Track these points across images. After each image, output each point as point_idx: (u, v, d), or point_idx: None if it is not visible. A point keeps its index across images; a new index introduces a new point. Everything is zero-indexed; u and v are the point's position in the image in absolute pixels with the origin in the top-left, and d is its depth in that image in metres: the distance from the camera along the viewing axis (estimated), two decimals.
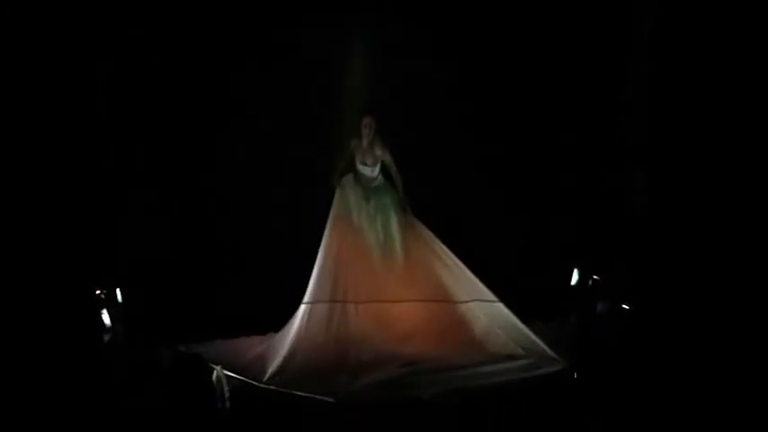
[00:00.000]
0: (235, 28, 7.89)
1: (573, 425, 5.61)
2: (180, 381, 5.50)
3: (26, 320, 6.82)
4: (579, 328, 7.36)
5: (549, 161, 8.41)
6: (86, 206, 7.55)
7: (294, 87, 8.00)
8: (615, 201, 8.30)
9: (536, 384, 6.19)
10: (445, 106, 8.21)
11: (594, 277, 7.87)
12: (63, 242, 7.35)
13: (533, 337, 6.71)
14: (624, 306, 7.43)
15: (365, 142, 7.07)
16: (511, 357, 6.59)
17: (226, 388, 5.65)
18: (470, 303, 6.84)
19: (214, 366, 5.81)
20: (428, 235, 7.01)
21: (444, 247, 6.96)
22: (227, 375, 5.85)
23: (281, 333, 6.77)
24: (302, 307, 6.70)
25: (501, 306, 6.81)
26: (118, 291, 7.45)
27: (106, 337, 7.17)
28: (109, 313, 7.28)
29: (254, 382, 6.22)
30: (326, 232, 6.94)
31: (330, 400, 5.88)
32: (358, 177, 7.16)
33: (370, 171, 7.13)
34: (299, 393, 6.00)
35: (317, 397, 5.91)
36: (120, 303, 7.42)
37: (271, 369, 6.36)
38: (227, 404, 5.58)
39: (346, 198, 7.10)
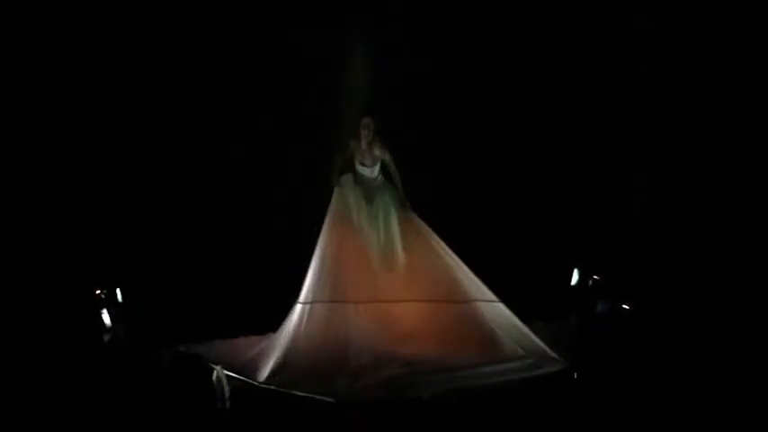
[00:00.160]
0: (235, 28, 7.89)
1: (573, 425, 5.60)
2: (180, 381, 5.50)
3: (26, 320, 6.83)
4: (579, 328, 7.35)
5: (549, 161, 8.41)
6: (86, 206, 7.55)
7: (294, 87, 8.01)
8: (615, 201, 8.30)
9: (536, 384, 6.18)
10: (445, 106, 8.21)
11: (594, 277, 7.87)
12: (63, 242, 7.35)
13: (533, 337, 6.70)
14: (624, 306, 7.43)
15: (364, 143, 7.06)
16: (511, 357, 6.58)
17: (226, 388, 5.65)
18: (470, 303, 6.83)
19: (214, 366, 5.80)
20: (428, 232, 7.01)
21: (444, 245, 6.95)
22: (227, 375, 5.85)
23: (278, 332, 6.76)
24: (298, 306, 6.70)
25: (501, 306, 6.80)
26: (118, 291, 7.46)
27: (106, 337, 7.17)
28: (109, 313, 7.29)
29: (254, 382, 6.22)
30: (325, 232, 6.93)
31: (330, 400, 5.87)
32: (357, 177, 7.16)
33: (370, 172, 7.12)
34: (299, 393, 6.00)
35: (317, 397, 5.91)
36: (120, 303, 7.43)
37: (269, 368, 6.35)
38: (227, 404, 5.58)
39: (345, 198, 7.09)
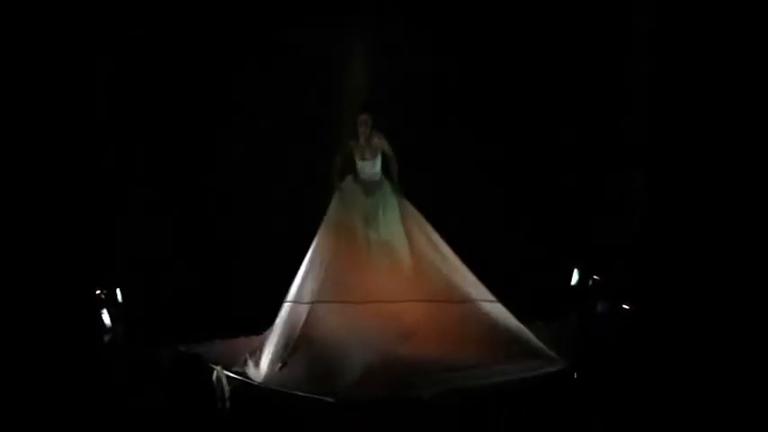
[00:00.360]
0: (235, 28, 7.89)
1: (573, 425, 5.60)
2: (180, 381, 5.51)
3: (26, 320, 6.83)
4: (579, 328, 7.35)
5: (549, 161, 8.41)
6: (86, 206, 7.55)
7: (294, 87, 8.01)
8: (615, 201, 8.30)
9: (536, 384, 6.18)
10: (445, 106, 8.21)
11: (594, 277, 7.87)
12: (63, 242, 7.35)
13: (533, 337, 6.70)
14: (624, 306, 7.43)
15: (362, 139, 7.08)
16: (511, 357, 6.58)
17: (226, 388, 5.65)
18: (471, 303, 6.83)
19: (214, 366, 5.81)
20: (429, 231, 7.01)
21: (445, 245, 6.96)
22: (227, 375, 5.85)
23: (272, 331, 6.74)
24: (297, 306, 6.70)
25: (501, 306, 6.81)
26: (118, 291, 7.46)
27: (106, 337, 7.17)
28: (109, 313, 7.29)
29: (254, 382, 6.22)
30: (326, 231, 6.94)
31: (330, 400, 5.87)
32: (358, 176, 7.16)
33: (371, 165, 7.13)
34: (299, 393, 6.00)
35: (317, 397, 5.91)
36: (120, 303, 7.43)
37: (269, 364, 6.37)
38: (227, 404, 5.58)
39: (345, 198, 7.10)
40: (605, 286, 7.75)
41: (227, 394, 5.61)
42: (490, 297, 6.81)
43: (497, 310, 6.80)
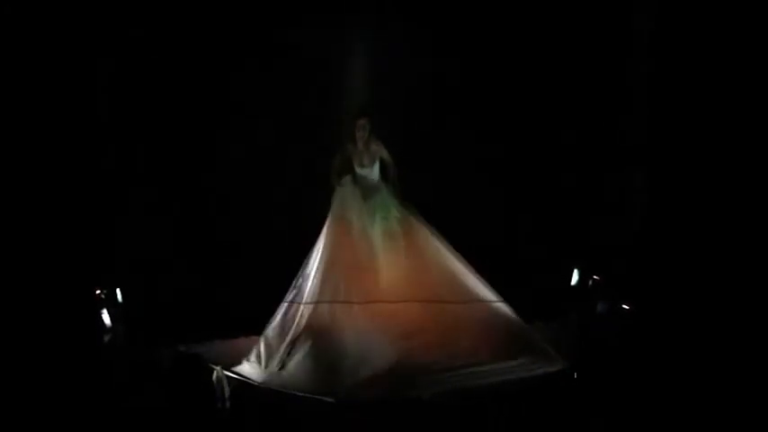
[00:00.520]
0: (235, 28, 7.89)
1: (573, 425, 5.60)
2: (180, 381, 5.51)
3: (26, 320, 6.82)
4: (579, 328, 7.35)
5: (549, 161, 8.41)
6: (86, 206, 7.55)
7: (294, 87, 8.01)
8: (615, 201, 8.30)
9: (536, 384, 6.18)
10: (445, 106, 8.21)
11: (594, 277, 7.87)
12: (63, 242, 7.35)
13: (533, 337, 6.70)
14: (624, 306, 7.42)
15: (360, 144, 7.08)
16: (511, 357, 6.58)
17: (226, 388, 5.65)
18: (470, 303, 6.83)
19: (214, 366, 5.81)
20: (428, 231, 7.01)
21: (445, 244, 6.96)
22: (227, 375, 5.85)
23: (276, 332, 6.74)
24: (294, 306, 6.70)
25: (501, 306, 6.81)
26: (118, 291, 7.45)
27: (106, 337, 7.17)
28: (109, 313, 7.28)
29: (254, 382, 6.22)
30: (325, 231, 6.94)
31: (330, 400, 5.87)
32: (357, 180, 7.17)
33: (370, 171, 7.14)
34: (298, 393, 6.00)
35: (317, 397, 5.91)
36: (120, 303, 7.43)
37: (269, 363, 6.37)
38: (227, 404, 5.58)
39: (345, 198, 7.10)
40: (605, 286, 7.75)
41: (227, 394, 5.61)
42: (491, 297, 6.81)
43: (498, 310, 6.81)
